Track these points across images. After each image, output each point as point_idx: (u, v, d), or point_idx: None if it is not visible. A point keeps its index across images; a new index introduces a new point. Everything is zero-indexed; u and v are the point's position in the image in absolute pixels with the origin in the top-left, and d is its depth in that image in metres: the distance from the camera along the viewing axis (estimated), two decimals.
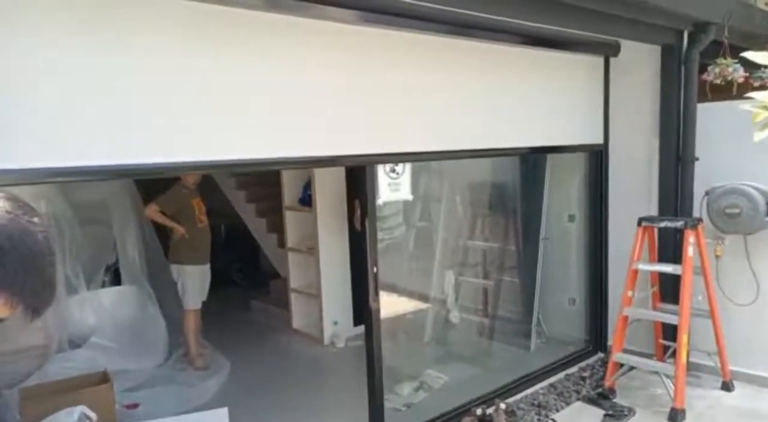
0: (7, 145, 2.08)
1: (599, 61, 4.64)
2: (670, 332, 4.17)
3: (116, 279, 5.16)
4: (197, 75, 2.52)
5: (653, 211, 4.45)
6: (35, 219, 0.91)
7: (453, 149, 3.68)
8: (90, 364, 4.16)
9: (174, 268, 4.82)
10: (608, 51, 4.54)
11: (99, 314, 4.77)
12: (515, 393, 4.20)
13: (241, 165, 2.85)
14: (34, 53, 2.12)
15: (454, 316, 5.13)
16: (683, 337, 3.77)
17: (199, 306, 4.83)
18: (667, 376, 3.93)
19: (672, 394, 3.79)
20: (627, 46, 4.49)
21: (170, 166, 2.57)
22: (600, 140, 4.73)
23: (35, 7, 2.11)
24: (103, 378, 3.76)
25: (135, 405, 4.04)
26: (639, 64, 4.51)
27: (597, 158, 4.77)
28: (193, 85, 2.52)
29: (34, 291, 0.91)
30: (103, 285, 5.02)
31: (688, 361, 3.87)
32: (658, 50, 4.34)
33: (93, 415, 3.40)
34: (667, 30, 4.08)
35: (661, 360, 4.37)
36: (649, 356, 4.39)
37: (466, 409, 3.85)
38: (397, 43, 3.24)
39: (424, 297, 5.12)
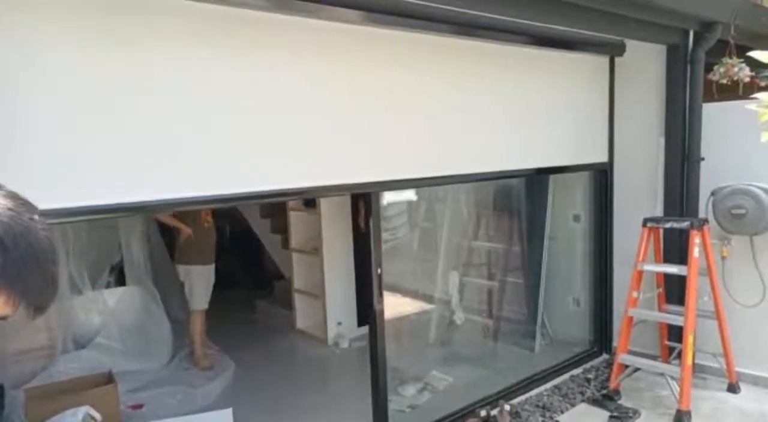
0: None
1: (604, 61, 4.62)
2: (676, 333, 4.15)
3: (121, 280, 5.18)
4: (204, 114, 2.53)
5: (658, 212, 4.43)
6: (36, 217, 0.90)
7: (459, 173, 3.67)
8: (95, 365, 4.18)
9: (181, 269, 4.82)
10: (613, 51, 4.52)
11: (104, 315, 4.79)
12: (520, 395, 4.19)
13: (248, 198, 2.79)
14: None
15: (459, 317, 5.12)
16: (689, 338, 3.75)
17: (206, 306, 4.84)
18: (673, 378, 3.91)
19: (677, 396, 3.77)
20: (632, 45, 4.48)
21: (180, 201, 2.55)
22: (605, 158, 4.73)
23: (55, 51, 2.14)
24: (108, 378, 3.78)
25: (139, 406, 4.05)
26: (644, 63, 4.49)
27: (603, 175, 4.79)
28: (205, 123, 2.54)
29: (37, 289, 0.90)
30: (108, 286, 5.03)
31: (693, 363, 3.85)
32: (664, 50, 4.32)
33: (98, 415, 3.41)
34: (673, 29, 4.06)
35: (667, 361, 4.35)
36: (654, 357, 4.37)
37: (470, 410, 3.85)
38: (400, 69, 3.24)
39: (428, 298, 5.11)
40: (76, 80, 2.19)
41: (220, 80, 2.56)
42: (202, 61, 2.50)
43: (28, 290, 0.89)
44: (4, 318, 0.90)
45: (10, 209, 0.87)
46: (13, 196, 0.90)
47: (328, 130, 2.97)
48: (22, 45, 2.07)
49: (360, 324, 5.46)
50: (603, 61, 4.61)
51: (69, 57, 2.17)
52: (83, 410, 3.39)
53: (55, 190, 2.16)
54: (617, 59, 4.63)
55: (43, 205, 0.97)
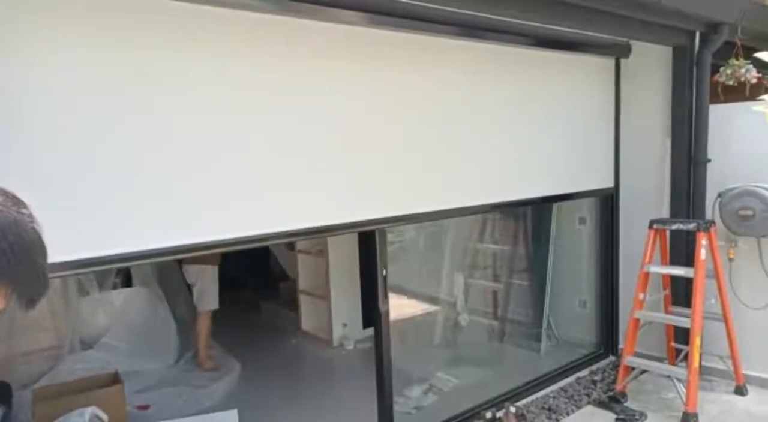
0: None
1: (610, 62, 4.62)
2: (683, 335, 4.13)
3: (127, 281, 5.20)
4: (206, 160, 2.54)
5: (665, 213, 4.42)
6: (24, 211, 0.91)
7: (465, 206, 3.64)
8: (101, 365, 4.20)
9: (193, 269, 4.81)
10: (619, 52, 4.51)
11: (110, 315, 4.81)
12: (525, 397, 4.18)
13: (253, 240, 2.75)
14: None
15: (464, 319, 5.12)
16: (696, 341, 3.74)
17: (218, 306, 4.86)
18: (679, 380, 3.89)
19: (684, 398, 3.75)
20: (638, 47, 4.47)
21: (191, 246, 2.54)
22: (611, 182, 4.74)
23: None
24: (114, 379, 3.79)
25: (146, 407, 4.06)
26: (650, 65, 4.48)
27: (609, 200, 4.80)
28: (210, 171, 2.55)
29: (27, 280, 0.91)
30: (114, 287, 5.06)
31: (700, 365, 3.83)
32: (670, 51, 4.31)
33: (104, 416, 3.43)
34: (679, 31, 4.05)
35: (673, 363, 4.33)
36: (660, 360, 4.35)
37: (476, 412, 3.84)
38: (400, 100, 3.24)
39: (433, 300, 5.11)
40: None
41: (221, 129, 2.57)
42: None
43: (19, 282, 0.89)
44: None
45: None
46: (0, 191, 0.91)
47: (337, 169, 2.98)
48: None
49: (365, 325, 5.45)
50: (609, 62, 4.61)
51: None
52: (90, 410, 3.40)
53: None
54: (623, 61, 4.62)
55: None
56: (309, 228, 2.91)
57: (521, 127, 3.99)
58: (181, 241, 2.47)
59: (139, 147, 2.33)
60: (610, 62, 4.62)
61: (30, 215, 0.92)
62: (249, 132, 2.66)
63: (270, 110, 2.72)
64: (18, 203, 0.92)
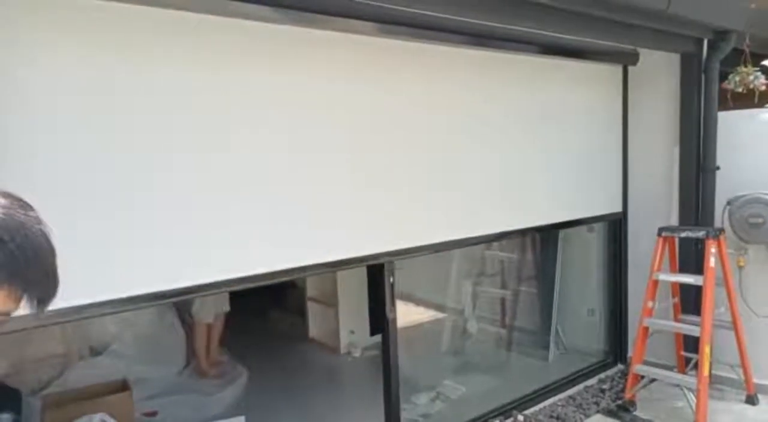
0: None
1: (617, 70, 4.62)
2: (692, 344, 4.10)
3: None
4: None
5: (674, 221, 4.40)
6: (31, 213, 0.93)
7: (473, 236, 3.65)
8: (110, 371, 4.21)
9: None
10: (627, 60, 4.52)
11: (119, 322, 4.82)
12: (533, 405, 4.16)
13: (263, 277, 2.74)
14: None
15: (472, 326, 5.10)
16: (705, 349, 3.71)
17: (211, 319, 4.86)
18: (689, 389, 3.86)
19: (694, 407, 3.72)
20: (646, 54, 4.47)
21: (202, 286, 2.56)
22: (619, 207, 4.75)
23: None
24: (123, 385, 3.81)
25: (154, 413, 4.07)
26: (658, 72, 4.48)
27: (617, 225, 4.82)
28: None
29: (37, 281, 0.92)
30: None
31: (710, 374, 3.80)
32: (678, 58, 4.31)
33: (112, 421, 3.44)
34: (687, 38, 4.05)
35: (683, 372, 4.30)
36: (670, 368, 4.32)
37: (483, 420, 3.82)
38: (411, 128, 3.26)
39: (441, 307, 5.10)
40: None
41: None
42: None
43: (29, 283, 0.91)
44: (7, 313, 0.92)
45: (4, 207, 0.90)
46: (6, 195, 0.93)
47: (350, 205, 3.00)
48: None
49: (372, 333, 5.45)
50: (616, 70, 4.61)
51: None
52: (99, 417, 3.42)
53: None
54: (630, 68, 4.62)
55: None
56: (328, 262, 2.96)
57: (529, 146, 3.99)
58: (201, 280, 2.50)
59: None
60: (618, 70, 4.62)
61: (37, 217, 0.93)
62: (262, 170, 2.68)
63: (290, 150, 2.77)
64: (24, 206, 0.93)
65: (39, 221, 0.93)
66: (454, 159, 3.50)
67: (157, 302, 2.55)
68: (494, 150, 3.74)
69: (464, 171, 3.56)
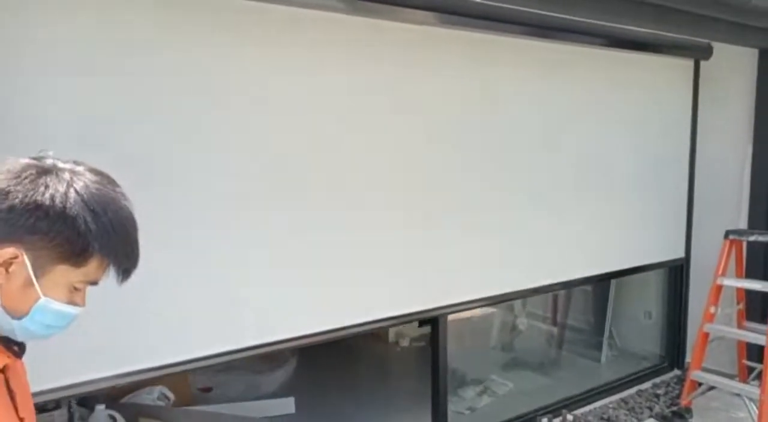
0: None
1: (689, 64, 4.42)
2: (756, 353, 3.93)
3: None
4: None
5: (742, 224, 4.20)
6: (118, 189, 0.99)
7: (528, 288, 3.65)
8: None
9: None
10: (699, 54, 4.32)
11: None
12: (583, 406, 4.08)
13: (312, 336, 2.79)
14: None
15: (522, 323, 5.04)
16: None
17: None
18: (751, 399, 3.70)
19: (756, 419, 3.56)
20: (720, 48, 4.26)
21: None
22: (681, 253, 4.60)
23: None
24: None
25: (209, 389, 4.23)
26: (734, 68, 4.26)
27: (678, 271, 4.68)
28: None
29: (124, 252, 0.98)
30: None
31: None
32: (756, 53, 4.09)
33: (171, 395, 3.60)
34: (766, 32, 3.83)
35: (745, 381, 4.12)
36: (730, 376, 4.15)
37: (531, 418, 3.79)
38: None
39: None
40: None
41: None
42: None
43: (118, 254, 0.97)
44: (95, 282, 0.99)
45: (96, 182, 0.96)
46: (97, 171, 0.99)
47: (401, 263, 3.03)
48: None
49: (420, 324, 5.47)
50: (687, 64, 4.41)
51: None
52: (158, 389, 3.60)
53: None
54: (702, 63, 4.42)
55: None
56: (376, 320, 3.01)
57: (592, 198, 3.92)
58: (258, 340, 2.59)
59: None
60: (689, 64, 4.42)
61: (123, 193, 1.00)
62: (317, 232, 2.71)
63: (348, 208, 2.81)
64: (112, 182, 1.00)
65: (125, 196, 1.00)
66: (512, 217, 3.48)
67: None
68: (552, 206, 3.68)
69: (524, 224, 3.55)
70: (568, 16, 3.10)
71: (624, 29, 3.47)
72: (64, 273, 0.94)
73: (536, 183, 3.57)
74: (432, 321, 3.33)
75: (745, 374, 4.18)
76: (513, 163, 3.44)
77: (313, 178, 2.67)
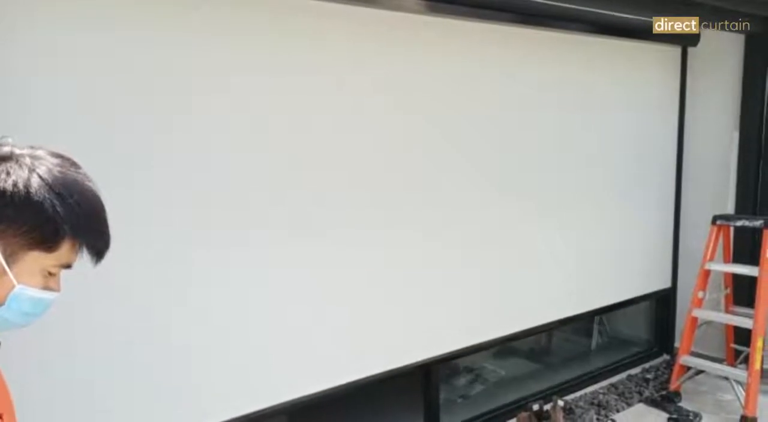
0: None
1: (676, 51, 4.43)
2: (743, 336, 3.97)
3: None
4: None
5: (730, 209, 4.24)
6: (80, 170, 0.98)
7: (523, 329, 3.77)
8: None
9: None
10: (687, 41, 4.32)
11: None
12: (574, 391, 4.12)
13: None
14: None
15: None
16: (758, 342, 3.59)
17: None
18: (738, 382, 3.74)
19: (743, 401, 3.61)
20: (707, 34, 4.27)
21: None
22: (668, 283, 4.67)
23: None
24: None
25: None
26: (720, 53, 4.28)
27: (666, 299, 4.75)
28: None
29: (95, 233, 0.97)
30: None
31: (762, 368, 3.67)
32: (742, 39, 4.11)
33: None
34: (753, 17, 3.84)
35: (732, 365, 4.17)
36: (718, 360, 4.20)
37: (522, 404, 3.81)
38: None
39: None
40: None
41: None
42: None
43: (89, 234, 0.96)
44: (69, 265, 0.98)
45: (57, 165, 0.95)
46: (57, 154, 0.98)
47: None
48: None
49: None
50: (675, 51, 4.42)
51: None
52: None
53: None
54: (690, 50, 4.43)
55: None
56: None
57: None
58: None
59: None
60: (676, 51, 4.43)
61: (85, 174, 0.99)
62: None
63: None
64: (74, 164, 0.99)
65: (88, 178, 0.99)
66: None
67: None
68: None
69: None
70: (555, 3, 3.10)
71: (610, 15, 3.46)
72: (36, 259, 0.93)
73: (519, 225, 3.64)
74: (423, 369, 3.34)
75: (733, 358, 4.24)
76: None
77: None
